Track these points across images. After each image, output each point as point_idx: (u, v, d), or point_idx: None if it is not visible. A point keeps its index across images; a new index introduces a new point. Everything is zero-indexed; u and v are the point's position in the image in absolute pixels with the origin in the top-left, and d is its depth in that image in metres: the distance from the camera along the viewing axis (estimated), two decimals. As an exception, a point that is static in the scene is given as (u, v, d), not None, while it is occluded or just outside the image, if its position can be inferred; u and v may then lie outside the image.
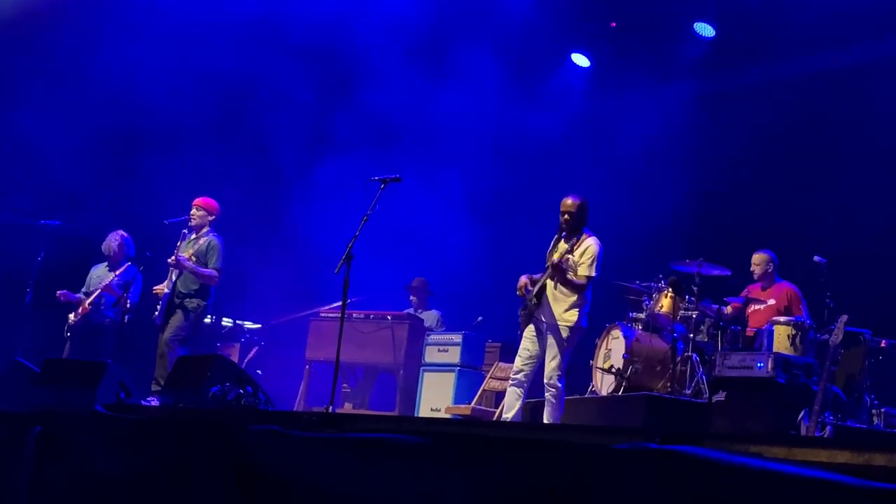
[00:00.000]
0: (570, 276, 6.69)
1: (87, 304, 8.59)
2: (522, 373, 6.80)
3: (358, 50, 10.59)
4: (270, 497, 3.64)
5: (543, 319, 6.74)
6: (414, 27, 10.15)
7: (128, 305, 8.40)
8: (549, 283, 6.73)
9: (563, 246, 6.80)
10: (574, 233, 6.81)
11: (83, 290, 8.89)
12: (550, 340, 6.70)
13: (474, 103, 10.78)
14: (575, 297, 6.70)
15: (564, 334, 6.66)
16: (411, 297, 10.11)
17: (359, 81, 10.74)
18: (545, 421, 6.71)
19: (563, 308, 6.69)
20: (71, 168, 9.51)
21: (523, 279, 6.87)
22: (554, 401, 6.67)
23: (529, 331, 6.82)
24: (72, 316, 8.65)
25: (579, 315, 6.71)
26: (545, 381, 6.71)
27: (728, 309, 7.90)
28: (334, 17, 10.03)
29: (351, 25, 10.25)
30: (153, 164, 9.97)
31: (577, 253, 6.74)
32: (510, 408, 6.79)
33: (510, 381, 6.90)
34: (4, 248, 9.22)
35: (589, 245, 6.77)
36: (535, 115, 11.22)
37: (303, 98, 10.62)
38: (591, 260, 6.71)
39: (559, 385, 6.66)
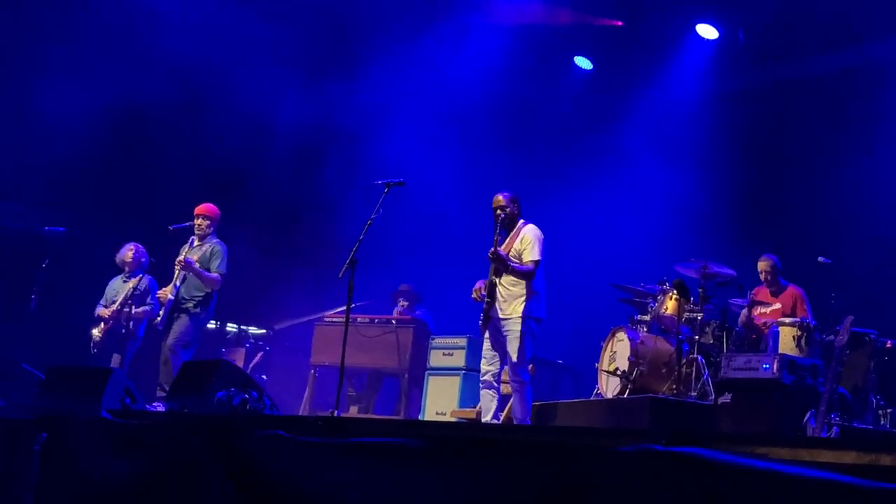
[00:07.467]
0: (513, 263, 6.69)
1: (109, 319, 8.54)
2: (489, 373, 6.83)
3: (357, 53, 10.63)
4: (275, 501, 3.64)
5: (499, 316, 6.76)
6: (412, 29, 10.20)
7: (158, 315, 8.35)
8: (500, 280, 6.74)
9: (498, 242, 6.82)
10: (511, 227, 6.86)
11: (101, 302, 8.86)
12: (509, 335, 6.72)
13: (476, 106, 10.81)
14: (525, 288, 6.70)
15: (521, 326, 6.67)
16: (400, 304, 9.95)
17: (361, 86, 10.76)
18: (513, 415, 6.75)
19: (515, 300, 6.71)
20: (75, 173, 9.54)
21: (478, 283, 6.86)
22: (521, 393, 6.71)
23: (488, 332, 6.85)
24: (96, 332, 8.62)
25: (533, 305, 6.73)
26: (510, 376, 6.74)
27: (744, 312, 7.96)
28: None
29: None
30: (156, 169, 9.98)
31: (517, 242, 6.75)
32: (487, 410, 6.83)
33: (480, 385, 6.93)
34: (9, 255, 9.22)
35: (527, 232, 6.82)
36: (539, 118, 11.23)
37: (300, 98, 10.64)
38: (531, 244, 6.74)
39: (524, 379, 6.71)
